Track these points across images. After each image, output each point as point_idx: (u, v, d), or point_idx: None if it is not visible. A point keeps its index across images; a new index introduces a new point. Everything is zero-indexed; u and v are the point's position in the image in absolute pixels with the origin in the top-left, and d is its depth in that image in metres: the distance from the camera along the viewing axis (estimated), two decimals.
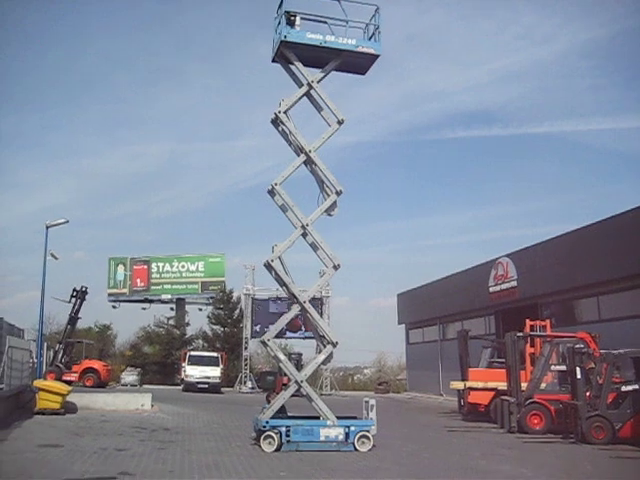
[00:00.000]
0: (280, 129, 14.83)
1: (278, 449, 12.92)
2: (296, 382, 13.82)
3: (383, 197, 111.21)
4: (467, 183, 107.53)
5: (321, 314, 39.40)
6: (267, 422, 13.25)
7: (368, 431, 13.61)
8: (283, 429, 13.19)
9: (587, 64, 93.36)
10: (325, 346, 14.25)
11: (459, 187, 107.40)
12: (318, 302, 39.35)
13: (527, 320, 22.74)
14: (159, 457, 11.81)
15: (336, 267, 14.24)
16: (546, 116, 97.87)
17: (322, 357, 14.30)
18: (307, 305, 14.20)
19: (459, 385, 23.25)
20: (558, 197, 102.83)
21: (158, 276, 49.49)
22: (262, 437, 13.06)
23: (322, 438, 13.40)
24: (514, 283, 29.64)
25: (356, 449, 13.28)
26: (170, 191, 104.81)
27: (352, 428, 13.56)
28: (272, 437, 13.02)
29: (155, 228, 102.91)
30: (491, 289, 31.66)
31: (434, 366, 38.00)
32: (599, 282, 24.26)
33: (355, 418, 14.21)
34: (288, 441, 13.13)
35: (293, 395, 14.40)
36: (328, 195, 14.44)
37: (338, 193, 14.31)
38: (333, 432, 13.50)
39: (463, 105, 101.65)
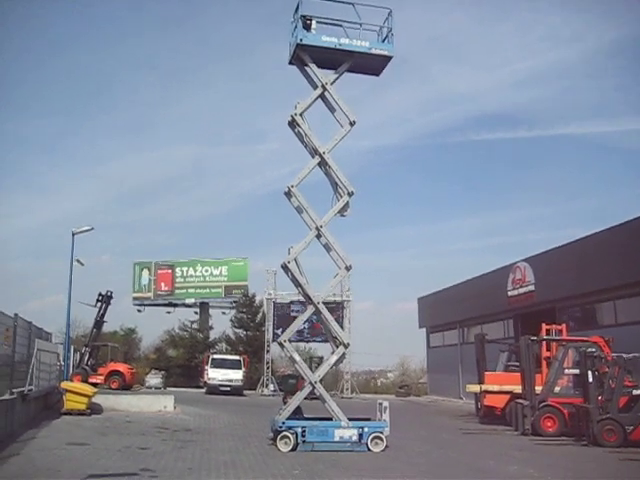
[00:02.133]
0: (296, 131, 15.31)
1: (294, 449, 13.39)
2: (310, 383, 14.32)
3: (405, 201, 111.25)
4: (490, 186, 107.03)
5: (342, 318, 39.90)
6: (283, 423, 13.73)
7: (381, 432, 14.03)
8: (299, 429, 13.66)
9: (614, 64, 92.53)
10: (337, 347, 14.73)
11: (482, 190, 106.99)
12: (339, 306, 39.89)
13: (543, 324, 23.00)
14: (179, 455, 12.37)
15: (348, 268, 14.69)
16: (573, 117, 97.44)
17: (334, 358, 14.78)
18: (320, 306, 14.65)
19: (475, 388, 23.59)
20: (583, 200, 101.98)
21: (182, 280, 50.18)
22: (278, 437, 13.55)
23: (336, 438, 13.85)
24: (532, 287, 29.85)
25: (369, 449, 13.71)
26: (194, 195, 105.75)
27: (366, 429, 14.00)
28: (288, 437, 13.51)
29: (179, 231, 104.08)
30: (509, 293, 31.88)
31: (454, 369, 38.22)
32: (615, 286, 24.42)
33: (369, 420, 14.66)
34: (304, 441, 13.59)
35: (311, 398, 14.94)
36: (341, 196, 14.92)
37: (350, 194, 14.77)
38: (347, 433, 13.95)
39: (487, 107, 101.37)
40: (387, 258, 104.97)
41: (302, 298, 17.14)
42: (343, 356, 14.88)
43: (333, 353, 14.94)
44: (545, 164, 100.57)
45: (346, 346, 14.57)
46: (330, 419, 14.33)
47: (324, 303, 15.07)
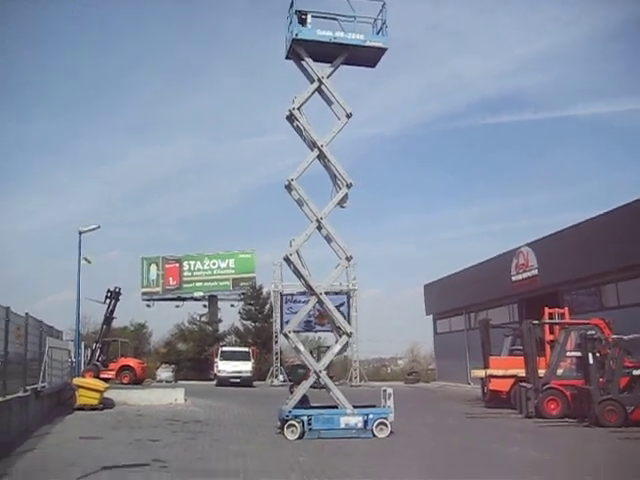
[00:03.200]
0: (295, 125, 15.63)
1: (301, 437, 13.82)
2: (315, 372, 14.69)
3: (410, 189, 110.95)
4: (495, 172, 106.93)
5: (349, 307, 40.27)
6: (290, 412, 14.15)
7: (386, 418, 14.42)
8: (305, 418, 14.06)
9: (617, 46, 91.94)
10: (341, 336, 15.08)
11: (487, 176, 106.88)
12: (345, 295, 40.25)
13: (546, 308, 23.26)
14: (189, 446, 12.80)
15: (348, 258, 15.03)
16: (578, 99, 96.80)
17: (338, 347, 15.18)
18: (323, 296, 15.00)
19: (480, 373, 23.92)
20: (589, 183, 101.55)
21: (190, 274, 50.62)
22: (285, 426, 13.96)
23: (342, 426, 14.26)
24: (535, 272, 30.05)
25: (375, 435, 14.12)
26: (199, 189, 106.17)
27: (370, 416, 14.39)
28: (295, 426, 13.91)
29: (186, 226, 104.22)
30: (513, 278, 32.08)
31: (461, 355, 38.47)
32: (618, 269, 24.56)
33: (374, 406, 15.02)
34: (310, 429, 14.01)
35: (320, 387, 15.31)
36: (340, 188, 15.25)
37: (349, 186, 15.12)
38: (352, 420, 14.33)
39: (491, 92, 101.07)
40: (395, 245, 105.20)
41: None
42: (347, 345, 15.27)
43: (337, 342, 15.30)
44: (551, 147, 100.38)
45: (349, 335, 14.95)
46: (336, 407, 14.69)
47: (328, 292, 15.42)
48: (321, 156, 15.36)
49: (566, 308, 23.90)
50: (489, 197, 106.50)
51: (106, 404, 19.76)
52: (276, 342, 40.60)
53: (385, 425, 14.28)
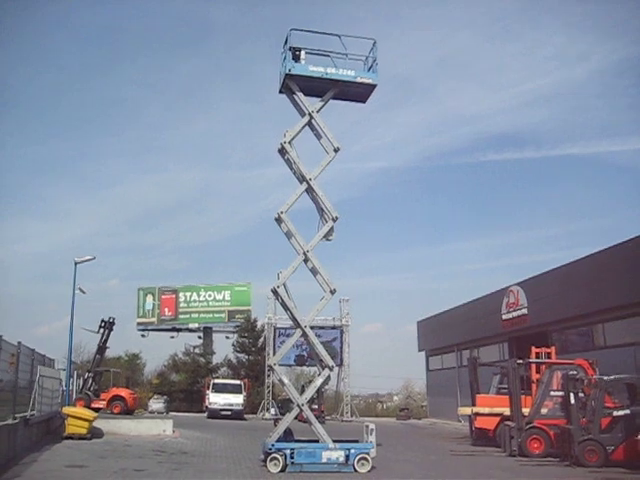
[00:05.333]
0: (285, 158, 16.12)
1: (283, 470, 14.00)
2: (297, 405, 14.97)
3: (414, 223, 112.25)
4: (496, 208, 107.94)
5: (342, 342, 40.53)
6: (273, 445, 14.35)
7: (367, 453, 14.60)
8: (288, 451, 14.27)
9: (623, 83, 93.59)
10: (323, 369, 15.40)
11: (489, 212, 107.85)
12: (338, 331, 40.53)
13: (532, 347, 23.58)
14: (173, 476, 13.03)
15: (332, 291, 15.32)
16: (580, 136, 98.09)
17: (320, 380, 15.51)
18: (307, 329, 15.33)
19: (467, 411, 24.15)
20: (590, 220, 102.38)
21: (186, 305, 50.90)
22: (268, 459, 14.17)
23: (324, 460, 14.43)
24: (525, 311, 30.42)
25: (356, 470, 14.28)
26: (200, 219, 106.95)
27: (352, 451, 14.58)
28: (277, 459, 14.12)
29: (185, 255, 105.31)
30: (504, 317, 32.44)
31: (452, 392, 38.62)
32: (605, 309, 24.95)
33: (356, 441, 15.26)
34: (292, 463, 14.19)
35: (302, 421, 15.56)
36: (326, 221, 15.66)
37: (334, 219, 15.53)
38: (334, 454, 14.53)
39: (494, 128, 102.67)
40: (397, 280, 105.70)
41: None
42: (328, 378, 15.56)
43: (319, 375, 15.62)
44: (552, 184, 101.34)
45: (331, 368, 15.26)
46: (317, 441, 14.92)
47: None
48: (309, 189, 15.78)
49: (553, 347, 24.23)
50: (493, 232, 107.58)
51: (95, 433, 19.93)
52: (268, 375, 40.64)
53: (366, 460, 14.46)
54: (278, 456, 14.15)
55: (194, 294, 51.05)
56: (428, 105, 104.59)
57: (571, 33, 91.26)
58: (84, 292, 30.70)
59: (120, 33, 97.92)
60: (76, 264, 28.92)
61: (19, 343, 15.70)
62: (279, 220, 15.53)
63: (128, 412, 33.12)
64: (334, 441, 14.73)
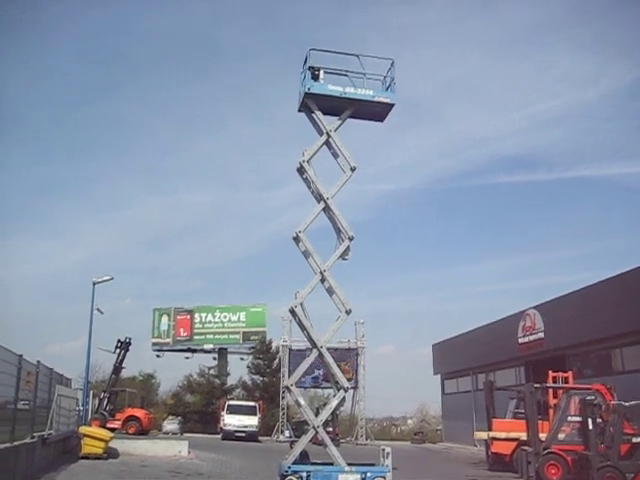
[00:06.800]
0: (304, 177, 16.26)
1: None
2: (313, 427, 14.96)
3: (425, 244, 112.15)
4: (509, 229, 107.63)
5: (357, 365, 40.42)
6: (289, 467, 14.35)
7: (384, 477, 14.59)
8: (304, 474, 14.27)
9: (635, 105, 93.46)
10: (338, 390, 15.41)
11: (501, 233, 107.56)
12: (353, 353, 40.44)
13: (549, 372, 23.42)
14: None
15: (348, 312, 15.34)
16: (592, 158, 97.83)
17: (335, 402, 15.56)
18: (323, 350, 15.34)
19: (483, 435, 23.99)
20: (604, 242, 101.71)
21: (201, 326, 50.85)
22: None
23: None
24: (541, 335, 30.21)
25: None
26: (213, 240, 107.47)
27: (369, 474, 14.57)
28: None
29: (200, 276, 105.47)
30: (520, 340, 32.22)
31: (468, 416, 38.26)
32: (623, 333, 24.76)
33: (373, 465, 15.21)
34: None
35: (316, 443, 15.54)
36: (343, 241, 15.75)
37: (350, 239, 15.62)
38: (350, 477, 14.50)
39: (505, 150, 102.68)
40: (410, 301, 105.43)
41: None
42: (343, 400, 15.58)
43: (334, 397, 15.63)
44: (565, 207, 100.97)
45: (346, 390, 15.30)
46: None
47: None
48: (326, 209, 15.90)
49: (570, 372, 24.05)
50: (505, 254, 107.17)
51: (111, 454, 19.99)
52: (283, 397, 40.50)
53: None
54: (294, 478, 14.15)
55: (209, 315, 51.05)
56: (439, 127, 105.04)
57: (581, 54, 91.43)
58: (102, 312, 30.97)
59: (128, 53, 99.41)
60: (94, 284, 29.19)
61: (38, 362, 15.87)
62: (297, 239, 15.62)
63: (143, 432, 33.17)
64: (350, 464, 14.71)
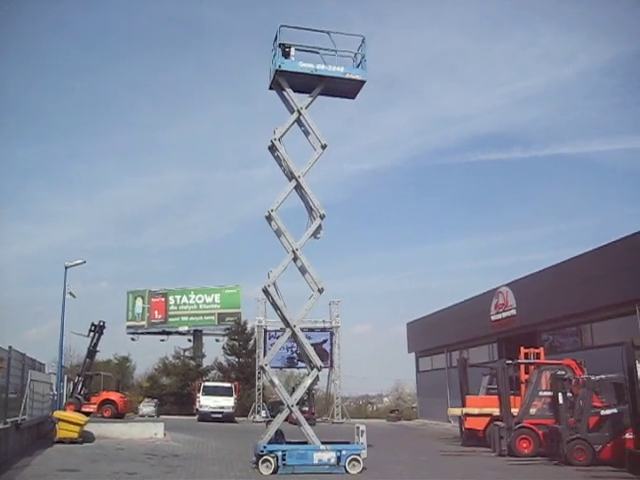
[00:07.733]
0: (275, 155, 16.25)
1: (275, 472, 14.10)
2: (287, 406, 15.07)
3: (402, 223, 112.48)
4: (485, 207, 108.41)
5: (332, 344, 40.66)
6: (265, 447, 14.44)
7: (359, 454, 14.72)
8: (279, 453, 14.37)
9: (610, 82, 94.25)
10: (312, 369, 15.52)
11: (478, 212, 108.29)
12: (328, 333, 40.66)
13: (521, 348, 23.77)
14: (166, 479, 13.08)
15: (320, 290, 15.42)
16: (569, 136, 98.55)
17: (309, 381, 15.74)
18: (297, 329, 15.44)
19: (457, 411, 24.34)
20: (580, 220, 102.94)
21: (175, 308, 50.74)
22: (260, 461, 14.25)
23: (315, 461, 14.55)
24: (513, 312, 30.63)
25: (347, 471, 14.39)
26: (189, 220, 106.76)
27: (343, 452, 14.71)
28: (269, 461, 14.21)
29: (174, 258, 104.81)
30: (493, 317, 32.64)
31: (442, 393, 38.79)
32: (592, 309, 25.18)
33: (347, 443, 15.37)
34: (284, 464, 14.29)
35: (292, 423, 15.68)
36: (314, 219, 15.78)
37: (322, 217, 15.65)
38: (326, 456, 14.65)
39: (483, 128, 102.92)
40: (387, 280, 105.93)
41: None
42: (317, 379, 15.72)
43: (308, 375, 15.75)
44: (541, 184, 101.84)
45: (319, 369, 15.41)
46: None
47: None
48: (298, 187, 15.89)
49: (541, 348, 24.45)
50: (481, 232, 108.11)
51: (86, 437, 19.91)
52: (259, 378, 40.65)
53: (357, 461, 14.57)
54: (270, 458, 14.24)
55: (184, 297, 50.95)
56: (417, 105, 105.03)
57: (560, 33, 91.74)
58: (74, 296, 30.60)
59: (109, 33, 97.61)
60: (66, 268, 28.87)
61: (10, 348, 15.71)
62: (269, 218, 15.62)
63: (119, 416, 33.04)
64: (325, 442, 14.88)
